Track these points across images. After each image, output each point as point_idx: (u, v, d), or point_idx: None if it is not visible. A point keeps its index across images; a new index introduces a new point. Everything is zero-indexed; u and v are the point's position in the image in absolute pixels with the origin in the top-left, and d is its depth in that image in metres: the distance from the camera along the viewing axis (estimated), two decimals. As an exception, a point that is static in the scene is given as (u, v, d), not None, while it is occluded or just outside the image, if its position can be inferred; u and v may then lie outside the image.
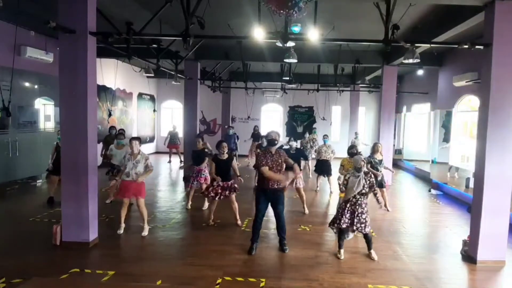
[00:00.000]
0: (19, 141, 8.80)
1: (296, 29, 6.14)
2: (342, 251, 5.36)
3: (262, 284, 4.39)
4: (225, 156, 6.52)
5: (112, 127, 10.76)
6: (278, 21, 5.71)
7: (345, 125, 17.39)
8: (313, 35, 5.79)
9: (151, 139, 17.67)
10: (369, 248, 5.38)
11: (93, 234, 5.49)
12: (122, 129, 9.51)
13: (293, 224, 6.79)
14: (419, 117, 14.28)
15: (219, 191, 6.47)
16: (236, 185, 6.65)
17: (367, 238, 5.34)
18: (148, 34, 6.71)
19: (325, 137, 10.15)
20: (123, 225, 6.16)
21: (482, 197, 5.16)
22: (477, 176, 5.44)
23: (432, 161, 11.41)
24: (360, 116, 17.11)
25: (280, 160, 5.32)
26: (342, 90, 14.32)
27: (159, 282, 4.36)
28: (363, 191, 5.18)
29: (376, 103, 17.06)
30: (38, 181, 9.79)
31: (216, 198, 6.53)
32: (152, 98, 17.62)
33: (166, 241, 5.96)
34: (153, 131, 18.00)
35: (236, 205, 6.66)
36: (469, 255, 5.39)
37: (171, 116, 18.65)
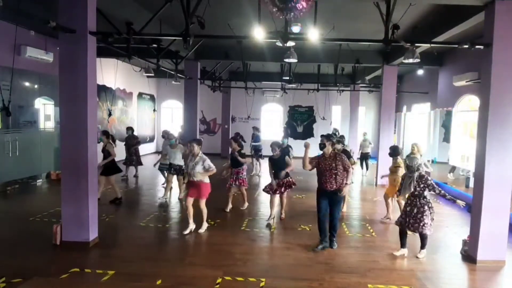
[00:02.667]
0: (19, 141, 8.79)
1: (296, 29, 6.13)
2: (402, 250, 5.47)
3: (262, 284, 4.39)
4: (278, 154, 6.80)
5: (129, 128, 11.21)
6: (278, 21, 5.70)
7: (345, 125, 17.39)
8: (313, 35, 5.78)
9: (151, 139, 17.67)
10: (421, 247, 5.39)
11: (93, 234, 5.49)
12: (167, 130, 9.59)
13: (293, 224, 6.79)
14: (419, 117, 14.28)
15: (277, 187, 6.77)
16: (292, 181, 6.89)
17: (421, 237, 5.35)
18: (148, 34, 6.71)
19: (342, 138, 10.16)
20: (191, 225, 6.18)
21: (482, 197, 5.16)
22: (477, 176, 5.44)
23: (432, 161, 11.41)
24: (360, 116, 17.10)
25: (334, 164, 5.43)
26: (342, 90, 14.32)
27: (159, 282, 4.36)
28: (415, 192, 5.24)
29: (376, 103, 17.08)
30: (38, 180, 9.79)
31: (277, 193, 6.81)
32: (152, 98, 17.63)
33: (166, 241, 5.96)
34: (153, 131, 18.00)
35: (285, 201, 7.06)
36: (469, 255, 5.39)
37: (171, 116, 18.66)
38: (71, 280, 4.26)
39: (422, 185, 5.20)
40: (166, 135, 8.84)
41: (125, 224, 6.68)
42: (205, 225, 6.29)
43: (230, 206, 7.67)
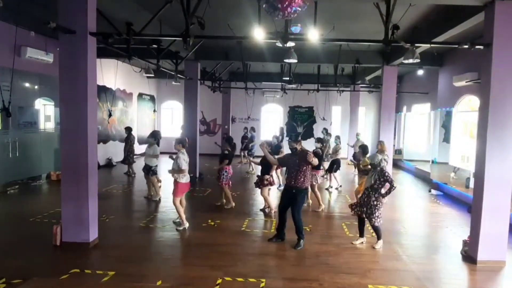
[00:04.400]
0: (19, 141, 8.80)
1: (296, 29, 6.13)
2: (360, 239, 5.95)
3: (262, 284, 4.39)
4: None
5: (126, 128, 11.46)
6: (278, 21, 5.70)
7: (345, 125, 17.39)
8: (313, 35, 5.78)
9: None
10: (377, 238, 5.83)
11: (93, 234, 5.49)
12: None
13: (293, 224, 6.77)
14: (419, 117, 14.27)
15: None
16: (267, 179, 7.30)
17: (373, 229, 5.82)
18: (148, 35, 6.70)
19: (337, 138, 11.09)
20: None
21: (482, 197, 5.16)
22: (477, 176, 5.44)
23: (432, 161, 11.40)
24: (360, 116, 17.10)
25: (297, 161, 5.67)
26: (342, 90, 14.31)
27: (159, 282, 4.36)
28: (374, 186, 5.60)
29: (376, 103, 17.05)
30: (38, 181, 9.79)
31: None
32: (152, 98, 17.62)
33: (166, 241, 5.96)
34: (153, 132, 17.97)
35: (264, 197, 7.45)
36: (469, 255, 5.39)
37: (171, 116, 18.66)
38: (71, 281, 4.25)
39: (382, 180, 5.53)
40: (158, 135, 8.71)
41: (125, 225, 6.68)
42: (184, 224, 6.41)
43: (231, 203, 7.88)
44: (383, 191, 5.57)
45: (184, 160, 6.27)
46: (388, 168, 8.25)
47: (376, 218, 5.57)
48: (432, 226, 7.17)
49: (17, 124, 8.89)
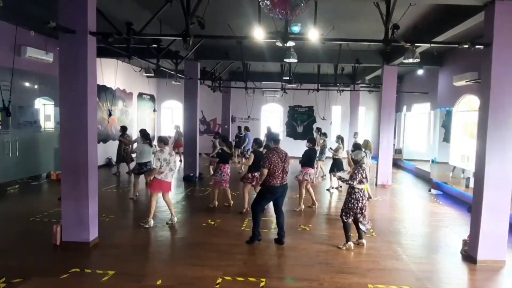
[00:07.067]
0: (19, 141, 8.80)
1: (296, 29, 6.13)
2: (360, 240, 5.84)
3: (262, 284, 4.39)
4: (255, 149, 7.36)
5: (121, 127, 11.55)
6: (278, 21, 5.70)
7: (345, 124, 17.39)
8: (313, 35, 5.78)
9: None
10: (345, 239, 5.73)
11: (93, 234, 5.49)
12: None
13: (293, 224, 6.79)
14: (419, 117, 14.28)
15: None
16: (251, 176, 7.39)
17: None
18: (148, 34, 6.70)
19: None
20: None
21: (482, 197, 5.16)
22: (477, 176, 5.44)
23: (432, 161, 11.41)
24: (360, 115, 17.09)
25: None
26: (342, 90, 14.31)
27: (159, 282, 4.36)
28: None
29: (376, 102, 17.07)
30: (38, 180, 9.78)
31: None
32: (152, 98, 17.63)
33: (166, 241, 5.97)
34: (153, 131, 17.98)
35: (245, 194, 7.56)
36: (469, 255, 5.39)
37: (171, 116, 18.67)
38: (71, 280, 4.25)
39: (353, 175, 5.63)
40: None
41: (125, 224, 6.68)
42: (173, 219, 6.64)
43: (214, 202, 7.89)
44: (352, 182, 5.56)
45: (159, 159, 6.30)
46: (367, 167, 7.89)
47: (342, 211, 5.64)
48: (432, 226, 7.17)
49: (17, 124, 8.89)
